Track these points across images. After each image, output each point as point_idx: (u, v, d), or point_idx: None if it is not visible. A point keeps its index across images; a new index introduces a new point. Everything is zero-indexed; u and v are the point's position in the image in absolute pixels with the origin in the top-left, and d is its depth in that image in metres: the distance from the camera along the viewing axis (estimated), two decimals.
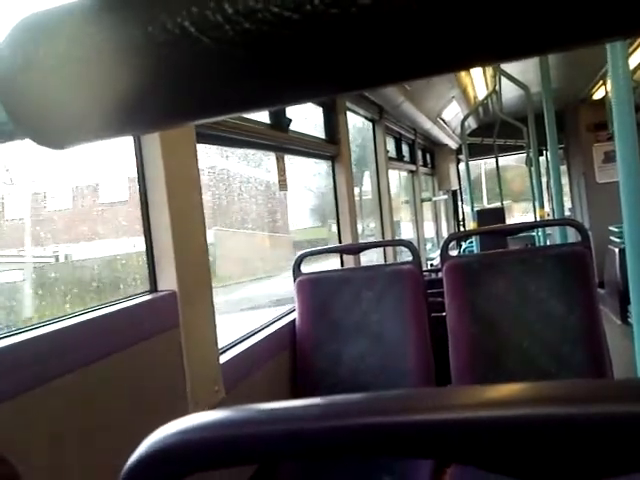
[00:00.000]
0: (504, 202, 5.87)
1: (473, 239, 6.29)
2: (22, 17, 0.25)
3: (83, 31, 0.24)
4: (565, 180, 7.74)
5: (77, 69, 0.24)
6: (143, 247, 1.58)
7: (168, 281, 1.55)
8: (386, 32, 0.21)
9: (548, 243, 5.53)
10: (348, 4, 0.20)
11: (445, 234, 7.93)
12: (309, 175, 4.23)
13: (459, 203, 8.90)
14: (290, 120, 2.71)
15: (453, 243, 3.39)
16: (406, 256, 4.11)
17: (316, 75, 0.23)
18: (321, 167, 3.74)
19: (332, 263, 3.41)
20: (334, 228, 3.56)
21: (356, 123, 4.47)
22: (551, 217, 5.36)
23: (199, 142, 1.72)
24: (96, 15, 0.23)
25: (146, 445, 0.35)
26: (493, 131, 7.32)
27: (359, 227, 3.66)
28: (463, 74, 5.29)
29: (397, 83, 0.24)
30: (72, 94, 0.25)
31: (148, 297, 1.52)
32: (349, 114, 3.67)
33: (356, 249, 2.90)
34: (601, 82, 6.09)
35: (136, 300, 1.48)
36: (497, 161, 8.08)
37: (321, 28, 0.21)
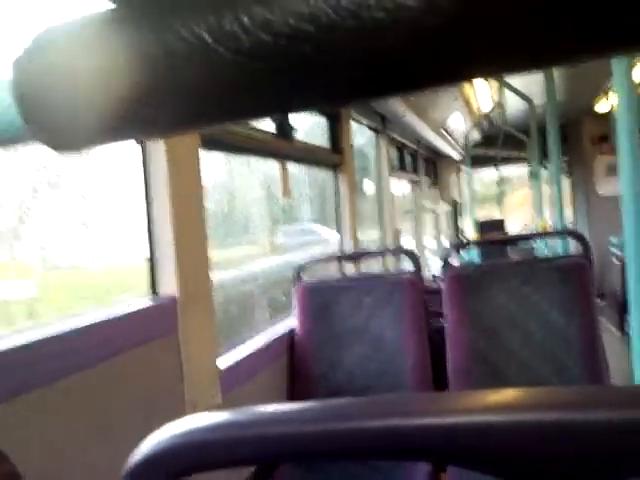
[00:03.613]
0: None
1: (474, 249, 6.28)
2: (42, 29, 0.26)
3: (100, 40, 0.24)
4: (567, 192, 7.75)
5: (93, 76, 0.24)
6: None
7: (169, 286, 1.55)
8: (400, 44, 0.21)
9: (549, 254, 5.53)
10: (364, 16, 0.21)
11: (446, 245, 7.92)
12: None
13: (460, 214, 8.90)
14: (294, 129, 2.71)
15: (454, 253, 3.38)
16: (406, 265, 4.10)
17: (330, 85, 0.23)
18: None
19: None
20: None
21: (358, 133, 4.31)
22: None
23: (202, 148, 1.72)
24: (113, 24, 0.24)
25: (145, 447, 0.35)
26: (496, 143, 7.34)
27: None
28: (467, 86, 5.30)
29: (408, 93, 0.24)
30: (87, 101, 0.25)
31: (149, 302, 1.52)
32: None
33: (357, 257, 2.90)
34: (605, 95, 6.10)
35: (137, 305, 1.48)
36: (500, 173, 8.09)
37: (337, 40, 0.21)
